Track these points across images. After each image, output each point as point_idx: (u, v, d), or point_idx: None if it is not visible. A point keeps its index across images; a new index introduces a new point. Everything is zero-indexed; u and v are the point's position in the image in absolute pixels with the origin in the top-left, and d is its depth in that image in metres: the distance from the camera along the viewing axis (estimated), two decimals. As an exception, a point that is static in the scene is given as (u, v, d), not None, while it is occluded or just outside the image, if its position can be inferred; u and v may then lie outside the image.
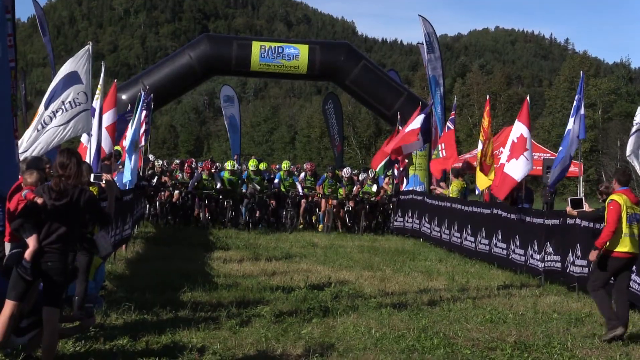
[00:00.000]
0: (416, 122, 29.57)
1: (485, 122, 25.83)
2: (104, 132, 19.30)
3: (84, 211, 9.69)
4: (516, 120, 22.55)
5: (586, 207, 17.38)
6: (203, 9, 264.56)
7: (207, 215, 33.26)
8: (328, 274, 20.32)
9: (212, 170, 33.64)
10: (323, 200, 34.92)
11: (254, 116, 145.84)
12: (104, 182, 12.43)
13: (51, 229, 9.49)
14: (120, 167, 23.59)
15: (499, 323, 14.80)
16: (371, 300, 16.60)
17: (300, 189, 35.37)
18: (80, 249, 9.96)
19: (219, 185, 32.97)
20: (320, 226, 35.07)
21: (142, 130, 25.02)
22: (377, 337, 13.21)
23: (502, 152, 24.80)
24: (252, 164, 35.80)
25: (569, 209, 17.60)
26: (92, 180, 12.47)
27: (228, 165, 35.02)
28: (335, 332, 13.48)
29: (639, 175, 18.47)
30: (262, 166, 37.59)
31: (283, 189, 35.08)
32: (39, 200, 9.43)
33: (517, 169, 21.76)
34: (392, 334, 13.46)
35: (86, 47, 15.26)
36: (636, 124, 19.40)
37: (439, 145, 29.56)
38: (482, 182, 24.43)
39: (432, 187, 32.76)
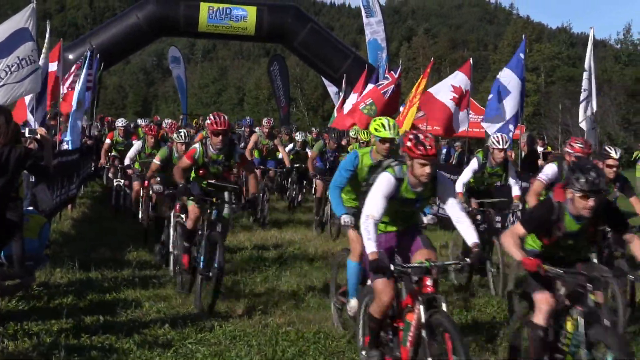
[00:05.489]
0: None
1: (421, 83, 25.78)
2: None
3: (15, 170, 9.57)
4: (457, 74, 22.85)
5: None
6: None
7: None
8: (274, 234, 20.27)
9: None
10: None
11: (202, 78, 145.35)
12: (39, 136, 12.38)
13: None
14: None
15: (440, 282, 14.93)
16: (316, 262, 16.67)
17: None
18: (10, 208, 9.84)
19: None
20: None
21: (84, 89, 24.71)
22: (320, 295, 13.27)
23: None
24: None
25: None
26: (27, 135, 12.42)
27: (177, 136, 16.55)
28: (278, 290, 13.55)
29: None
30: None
31: None
32: None
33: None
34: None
35: (30, 5, 15.08)
36: (584, 90, 19.59)
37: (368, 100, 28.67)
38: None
39: None
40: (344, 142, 22.86)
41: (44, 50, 19.37)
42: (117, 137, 22.48)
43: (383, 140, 10.94)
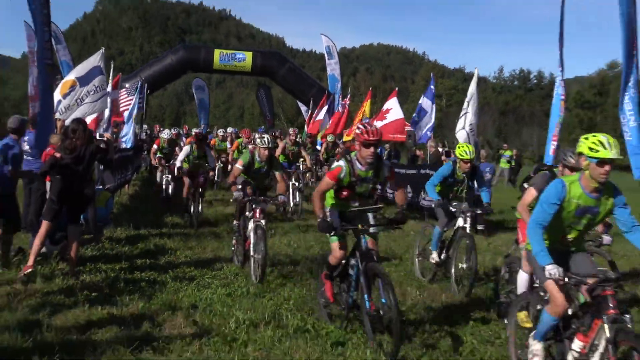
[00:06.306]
0: (324, 109, 29.38)
1: (364, 105, 25.90)
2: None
3: (89, 161, 9.78)
4: (390, 101, 22.80)
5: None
6: (182, 27, 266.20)
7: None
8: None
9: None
10: None
11: (215, 100, 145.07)
12: (105, 138, 12.54)
13: (69, 173, 9.58)
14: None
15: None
16: (298, 225, 16.70)
17: None
18: (87, 186, 9.98)
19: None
20: None
21: (138, 109, 24.59)
22: (294, 247, 13.35)
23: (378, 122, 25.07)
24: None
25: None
26: (97, 138, 12.60)
27: (261, 141, 11.39)
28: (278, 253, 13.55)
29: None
30: None
31: None
32: (57, 155, 9.53)
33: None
34: (305, 245, 13.62)
35: (100, 50, 15.01)
36: (464, 109, 19.74)
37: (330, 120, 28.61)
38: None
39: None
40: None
41: (109, 81, 19.33)
42: (162, 144, 20.30)
43: (602, 162, 5.89)
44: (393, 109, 22.40)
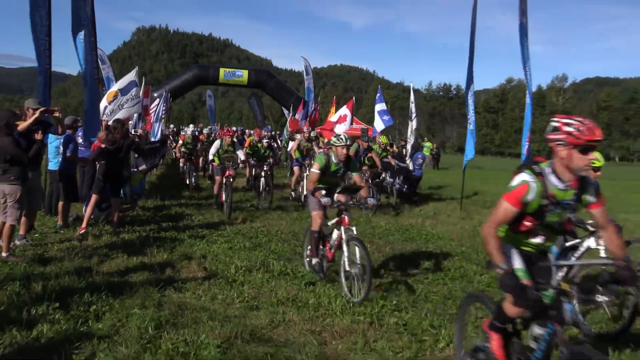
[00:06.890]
0: (301, 112, 29.18)
1: (332, 110, 25.91)
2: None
3: (126, 151, 9.86)
4: (344, 107, 22.70)
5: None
6: (196, 52, 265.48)
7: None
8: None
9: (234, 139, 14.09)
10: None
11: (220, 106, 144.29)
12: (138, 134, 12.44)
13: (111, 159, 9.65)
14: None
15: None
16: (286, 196, 16.53)
17: None
18: (124, 169, 10.00)
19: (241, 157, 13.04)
20: None
21: (163, 113, 24.27)
22: (281, 212, 13.27)
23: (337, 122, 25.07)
24: None
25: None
26: (132, 133, 12.51)
27: (337, 139, 7.51)
28: (259, 211, 13.48)
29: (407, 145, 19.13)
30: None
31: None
32: (103, 145, 9.60)
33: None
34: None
35: (135, 68, 14.85)
36: (411, 114, 19.86)
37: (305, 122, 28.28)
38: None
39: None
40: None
41: (141, 92, 19.14)
42: (187, 139, 19.29)
43: None
44: (338, 114, 22.40)
